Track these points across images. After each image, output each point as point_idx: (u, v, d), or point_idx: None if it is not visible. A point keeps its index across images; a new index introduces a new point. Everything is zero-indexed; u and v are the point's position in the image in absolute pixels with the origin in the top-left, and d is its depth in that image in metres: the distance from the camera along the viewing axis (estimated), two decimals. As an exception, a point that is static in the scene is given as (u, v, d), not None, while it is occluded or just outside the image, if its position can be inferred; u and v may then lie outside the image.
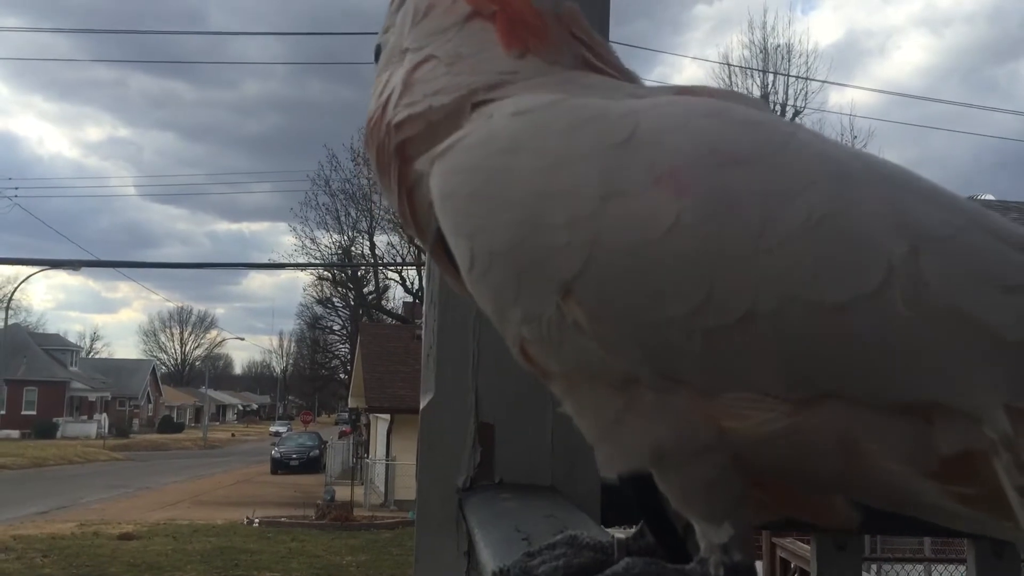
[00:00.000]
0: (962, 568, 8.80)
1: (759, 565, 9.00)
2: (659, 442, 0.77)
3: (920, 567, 10.22)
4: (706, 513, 0.79)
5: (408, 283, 47.29)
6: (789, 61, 34.78)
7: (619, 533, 0.97)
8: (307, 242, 50.20)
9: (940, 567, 10.06)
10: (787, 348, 0.73)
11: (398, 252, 47.92)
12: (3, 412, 59.44)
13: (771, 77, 34.20)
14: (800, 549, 8.07)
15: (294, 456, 40.50)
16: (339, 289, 54.65)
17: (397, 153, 0.95)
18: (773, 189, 0.76)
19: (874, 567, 9.64)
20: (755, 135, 0.81)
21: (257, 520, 22.83)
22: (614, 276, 0.76)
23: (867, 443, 0.73)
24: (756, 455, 0.76)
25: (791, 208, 0.74)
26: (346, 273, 52.32)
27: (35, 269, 38.09)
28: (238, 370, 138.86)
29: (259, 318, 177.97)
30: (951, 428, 0.72)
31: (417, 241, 1.00)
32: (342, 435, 45.83)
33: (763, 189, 0.75)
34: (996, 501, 0.73)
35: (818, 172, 0.77)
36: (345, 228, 48.94)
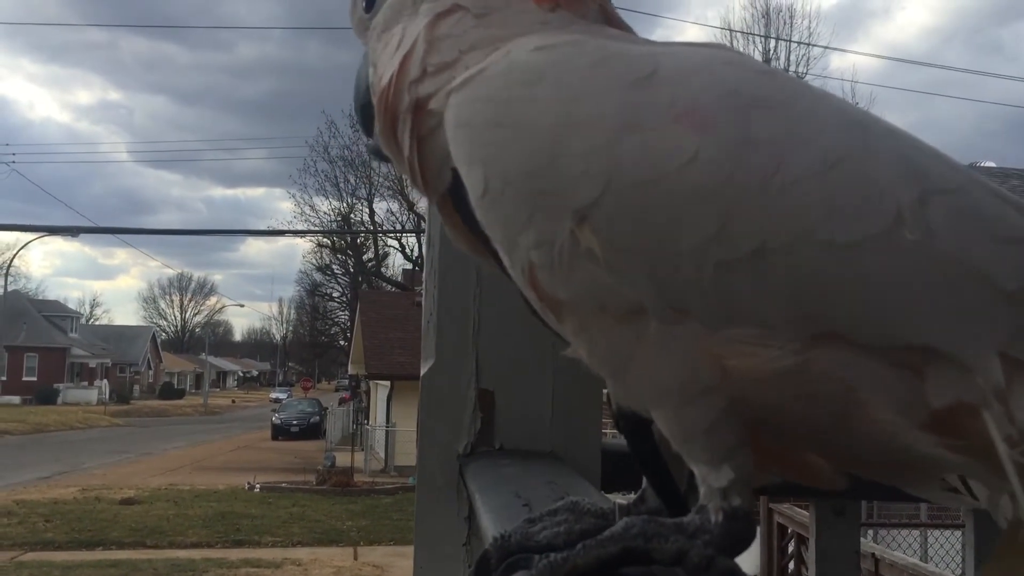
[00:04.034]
0: (958, 533, 8.89)
1: (757, 531, 9.06)
2: (663, 380, 0.78)
3: (916, 532, 10.31)
4: (706, 456, 0.79)
5: (407, 250, 47.44)
6: (791, 25, 34.60)
7: (620, 499, 0.98)
8: (306, 209, 50.33)
9: (936, 532, 10.15)
10: (795, 284, 0.74)
11: (397, 219, 48.01)
12: (4, 378, 59.67)
13: (773, 42, 33.99)
14: (798, 515, 8.12)
15: (294, 422, 40.76)
16: (338, 256, 54.72)
17: (414, 106, 0.92)
18: (791, 132, 0.78)
19: (871, 532, 9.72)
20: (773, 83, 0.84)
21: (258, 486, 22.99)
22: (630, 205, 0.77)
23: (864, 392, 0.75)
24: (757, 397, 0.77)
25: (807, 150, 0.77)
26: (345, 240, 52.34)
27: (34, 235, 38.04)
28: (238, 337, 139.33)
29: (258, 285, 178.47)
30: (943, 379, 0.74)
31: (422, 194, 0.99)
32: (342, 401, 46.09)
33: (781, 132, 0.78)
34: (985, 452, 0.74)
35: (833, 120, 0.80)
36: (344, 195, 49.02)
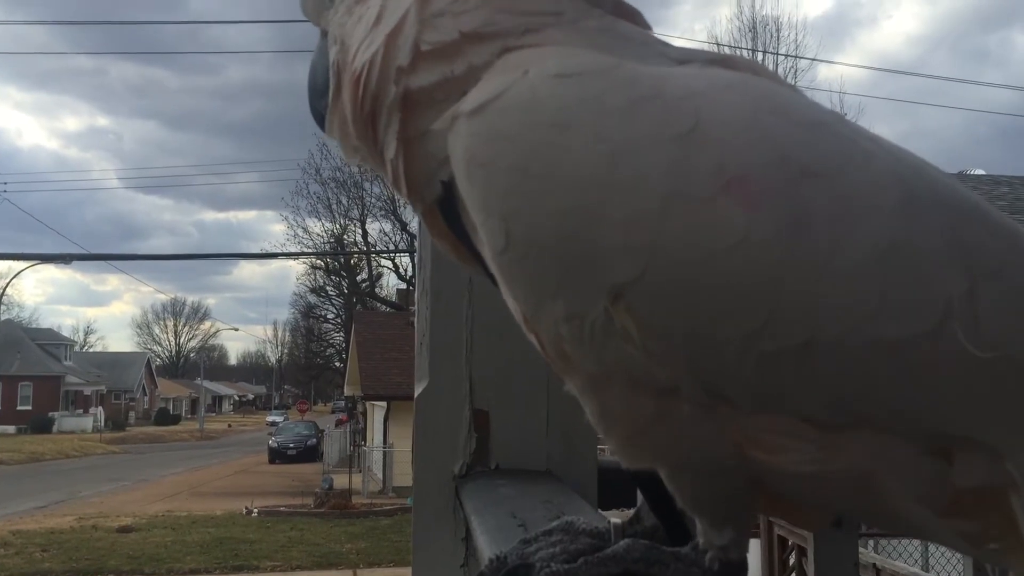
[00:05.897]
0: (958, 541, 8.84)
1: (757, 543, 9.05)
2: (681, 456, 0.76)
3: (917, 541, 10.27)
4: (711, 518, 0.79)
5: (401, 270, 47.38)
6: (778, 38, 34.77)
7: (615, 517, 0.97)
8: (299, 231, 50.32)
9: (936, 541, 10.10)
10: (838, 376, 0.71)
11: (390, 239, 48.04)
12: (-1, 408, 59.42)
13: (760, 55, 34.14)
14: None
15: (291, 445, 40.57)
16: (332, 277, 54.65)
17: (402, 101, 0.84)
18: (841, 210, 0.72)
19: (871, 542, 9.69)
20: (821, 143, 0.76)
21: (256, 510, 22.84)
22: (672, 287, 0.71)
23: (888, 481, 0.72)
24: (776, 482, 0.75)
25: (859, 234, 0.71)
26: (339, 261, 52.29)
27: (26, 264, 37.96)
28: (233, 361, 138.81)
29: (252, 308, 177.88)
30: (972, 465, 0.72)
31: (403, 199, 0.90)
32: (339, 423, 45.93)
33: (832, 209, 0.72)
34: (998, 534, 0.73)
35: (883, 192, 0.74)
36: (337, 216, 49.02)
